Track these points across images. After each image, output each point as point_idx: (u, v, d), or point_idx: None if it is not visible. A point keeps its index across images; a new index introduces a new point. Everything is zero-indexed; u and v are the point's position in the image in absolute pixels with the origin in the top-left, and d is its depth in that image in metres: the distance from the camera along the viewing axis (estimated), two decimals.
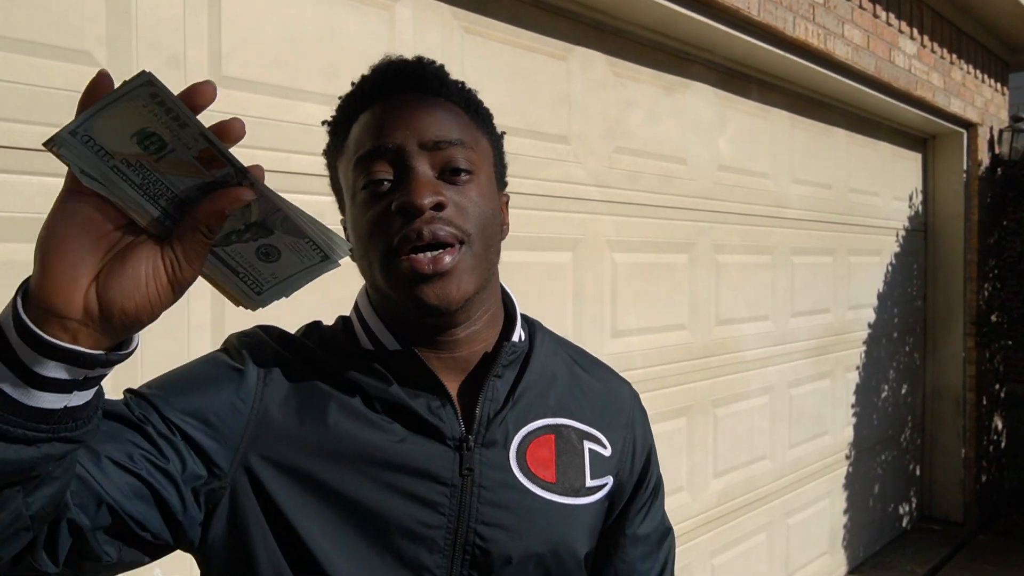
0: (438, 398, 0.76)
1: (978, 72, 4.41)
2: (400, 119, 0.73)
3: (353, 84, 0.79)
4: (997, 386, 4.77)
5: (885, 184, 4.08)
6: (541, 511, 0.77)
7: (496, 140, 0.85)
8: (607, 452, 0.84)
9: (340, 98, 0.80)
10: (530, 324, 0.90)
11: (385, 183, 0.72)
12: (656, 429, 2.49)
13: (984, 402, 4.55)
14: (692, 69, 2.72)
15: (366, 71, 0.79)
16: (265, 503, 0.71)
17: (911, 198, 4.37)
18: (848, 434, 3.76)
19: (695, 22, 2.47)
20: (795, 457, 3.32)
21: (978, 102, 4.41)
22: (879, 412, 4.05)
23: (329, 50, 1.68)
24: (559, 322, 2.21)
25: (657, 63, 2.58)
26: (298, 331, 0.82)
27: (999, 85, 4.70)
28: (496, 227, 0.79)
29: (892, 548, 4.11)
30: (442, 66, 0.79)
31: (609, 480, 0.83)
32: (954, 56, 4.09)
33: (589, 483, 0.81)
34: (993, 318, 4.55)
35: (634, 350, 2.47)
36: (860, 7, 3.22)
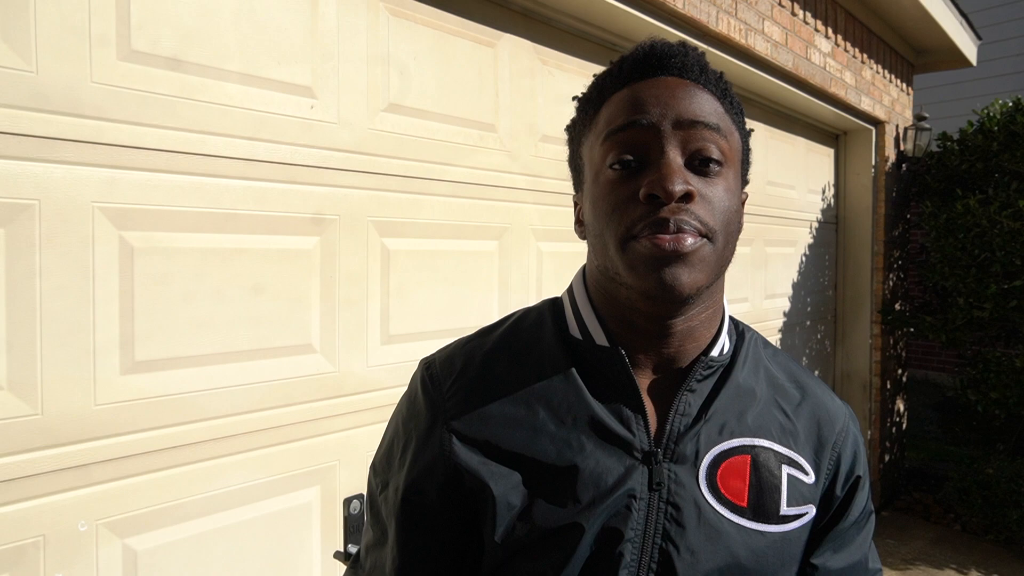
0: (631, 406, 0.74)
1: (886, 72, 4.61)
2: (658, 98, 0.71)
3: (611, 63, 0.78)
4: (900, 371, 5.02)
5: (800, 177, 4.22)
6: (729, 535, 0.72)
7: (746, 136, 0.81)
8: (809, 479, 0.78)
9: (595, 76, 0.79)
10: (739, 332, 0.85)
11: (632, 163, 0.71)
12: None
13: (888, 386, 4.79)
14: None
15: (633, 49, 0.76)
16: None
17: (824, 191, 4.54)
18: None
19: (623, 13, 2.48)
20: None
21: (886, 100, 4.61)
22: None
23: (247, 27, 1.60)
24: (485, 311, 2.20)
25: (584, 53, 2.59)
26: (498, 331, 0.82)
27: (905, 85, 4.92)
28: (737, 225, 0.75)
29: None
30: (703, 53, 0.77)
31: (810, 509, 0.78)
32: (865, 56, 4.26)
33: (785, 510, 0.75)
34: (897, 307, 4.78)
35: (409, 360, 2.11)
36: (779, 4, 3.31)
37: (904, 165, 4.89)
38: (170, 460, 1.47)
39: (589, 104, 0.79)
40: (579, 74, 2.57)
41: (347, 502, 1.77)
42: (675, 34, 2.69)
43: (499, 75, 2.25)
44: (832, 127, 4.53)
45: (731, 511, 0.73)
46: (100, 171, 1.38)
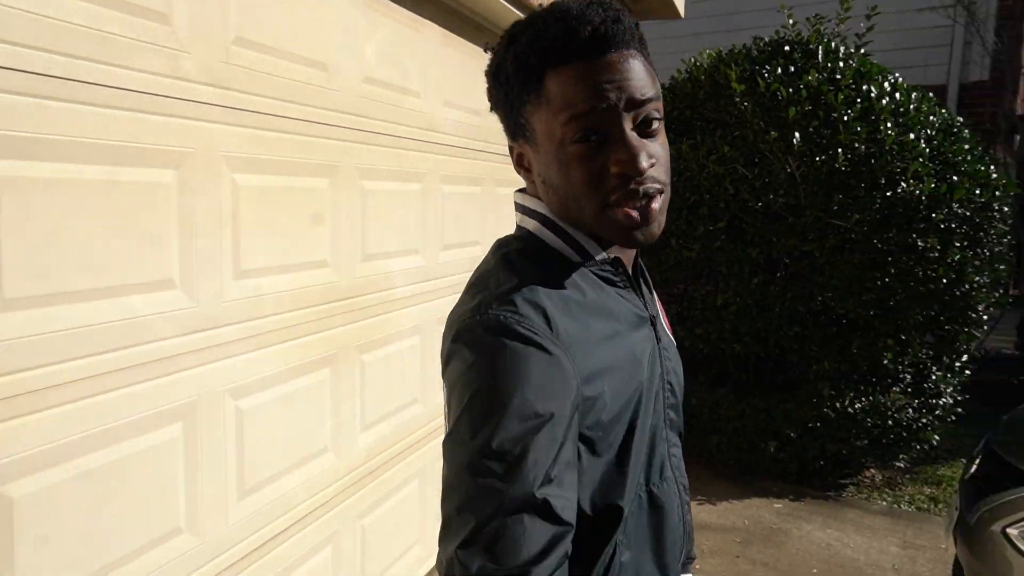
0: (635, 291, 1.00)
1: None
2: (611, 81, 0.83)
3: (544, 21, 0.87)
4: None
5: None
6: (679, 359, 1.09)
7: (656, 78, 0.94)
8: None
9: (524, 28, 0.89)
10: None
11: (593, 139, 0.85)
12: (296, 384, 2.07)
13: None
14: None
15: (552, 9, 0.87)
16: None
17: None
18: None
19: None
20: None
21: None
22: None
23: None
24: (158, 260, 1.68)
25: None
26: (508, 258, 0.93)
27: None
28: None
29: None
30: (626, 11, 0.88)
31: None
32: None
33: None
34: None
35: (264, 294, 2.02)
36: None
37: None
38: (32, 405, 1.41)
39: (528, 68, 0.87)
40: None
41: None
42: None
43: None
44: None
45: (673, 342, 1.10)
46: None
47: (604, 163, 0.84)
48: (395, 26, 2.65)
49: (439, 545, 0.80)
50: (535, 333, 0.80)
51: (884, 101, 3.95)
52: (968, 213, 4.00)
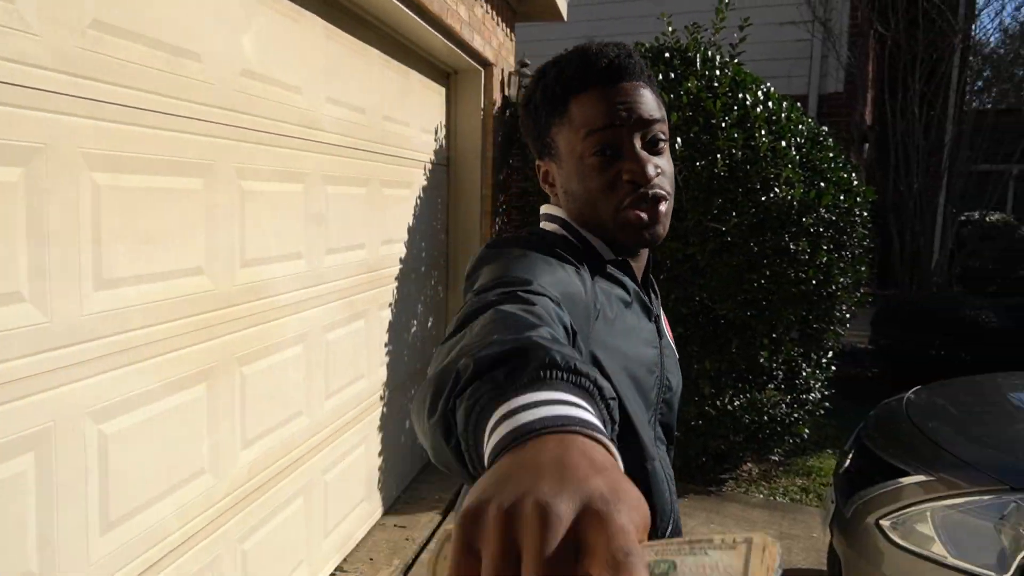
0: (643, 290, 1.14)
1: (494, 14, 4.57)
2: (623, 104, 1.01)
3: (569, 58, 1.05)
4: None
5: (415, 115, 3.97)
6: (677, 361, 1.21)
7: (666, 110, 1.12)
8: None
9: (551, 65, 1.07)
10: None
11: (608, 153, 1.01)
12: (169, 403, 1.87)
13: None
14: None
15: (576, 50, 1.05)
16: None
17: (437, 131, 4.37)
18: (382, 374, 3.63)
19: None
20: (332, 407, 3.03)
21: (494, 43, 4.58)
22: (410, 348, 4.02)
23: None
24: (2, 271, 1.48)
25: None
26: (531, 237, 1.01)
27: (509, 31, 4.97)
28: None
29: (422, 478, 4.19)
30: (638, 52, 1.10)
31: None
32: None
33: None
34: None
35: (131, 305, 1.83)
36: None
37: (508, 111, 4.97)
38: None
39: (555, 96, 1.04)
40: None
41: None
42: None
43: None
44: (445, 64, 4.35)
45: (673, 344, 1.23)
46: None
47: (617, 173, 1.01)
48: (274, 16, 2.48)
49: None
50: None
51: (758, 109, 4.11)
52: (833, 218, 4.23)
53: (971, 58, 9.81)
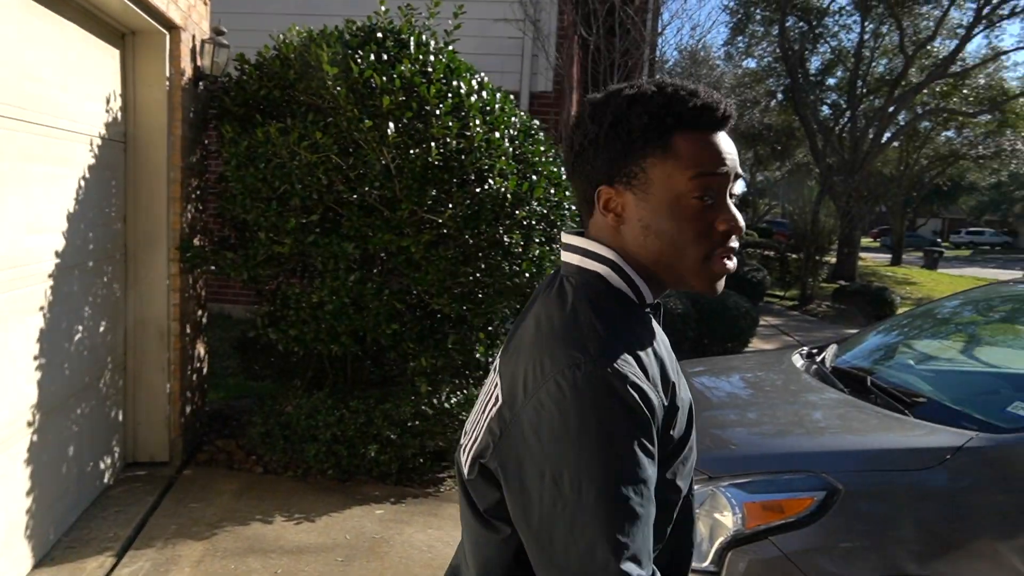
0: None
1: None
2: (728, 154, 1.01)
3: (679, 89, 1.01)
4: (200, 312, 4.60)
5: (76, 79, 3.28)
6: None
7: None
8: None
9: (658, 92, 1.01)
10: None
11: (707, 200, 0.99)
12: None
13: (188, 330, 4.31)
14: None
15: (686, 86, 1.02)
16: None
17: (109, 101, 3.68)
18: (31, 395, 2.94)
19: None
20: None
21: (182, 4, 3.98)
22: (73, 359, 3.33)
23: None
24: None
25: None
26: (592, 313, 0.99)
27: None
28: None
29: (93, 513, 3.52)
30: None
31: None
32: None
33: None
34: (196, 242, 4.31)
35: None
36: None
37: (202, 83, 4.37)
38: None
39: (660, 123, 0.99)
40: None
41: None
42: None
43: None
44: (118, 21, 3.68)
45: None
46: None
47: (712, 222, 1.00)
48: None
49: None
50: (641, 385, 0.93)
51: (473, 98, 4.02)
52: (545, 211, 4.29)
53: (657, 75, 10.84)
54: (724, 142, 1.01)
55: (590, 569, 0.86)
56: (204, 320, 4.72)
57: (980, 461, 2.13)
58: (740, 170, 1.04)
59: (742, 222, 1.02)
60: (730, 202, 1.02)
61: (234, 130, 4.02)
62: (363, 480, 4.19)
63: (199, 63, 4.30)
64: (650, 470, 0.91)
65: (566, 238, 1.09)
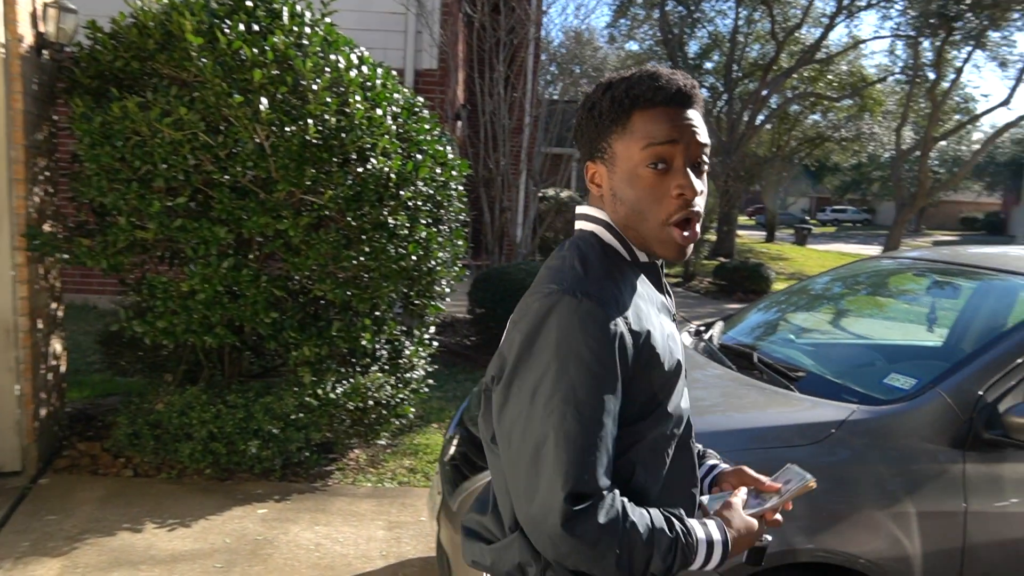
0: (667, 292, 1.28)
1: None
2: (684, 127, 1.13)
3: (641, 74, 1.16)
4: (55, 305, 4.20)
5: None
6: None
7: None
8: None
9: (622, 80, 1.17)
10: None
11: (660, 167, 1.13)
12: None
13: (40, 325, 3.92)
14: None
15: (649, 70, 1.17)
16: None
17: None
18: None
19: None
20: None
21: None
22: None
23: None
24: None
25: None
26: (576, 258, 1.16)
27: None
28: None
29: None
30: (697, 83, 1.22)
31: None
32: None
33: None
34: (47, 228, 3.91)
35: None
36: None
37: (46, 52, 3.95)
38: None
39: (621, 106, 1.15)
40: None
41: None
42: None
43: None
44: None
45: None
46: None
47: (667, 188, 1.13)
48: None
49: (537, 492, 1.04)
50: (606, 311, 1.08)
51: (352, 73, 3.82)
52: (431, 191, 4.15)
53: (542, 57, 10.84)
54: (681, 117, 1.13)
55: (539, 469, 1.03)
56: (60, 313, 4.31)
57: (861, 433, 2.18)
58: (704, 139, 1.15)
59: (699, 187, 1.14)
60: (688, 170, 1.13)
61: (85, 104, 3.64)
62: (244, 478, 3.95)
63: (41, 29, 3.88)
64: (606, 387, 1.05)
65: (577, 209, 1.27)
